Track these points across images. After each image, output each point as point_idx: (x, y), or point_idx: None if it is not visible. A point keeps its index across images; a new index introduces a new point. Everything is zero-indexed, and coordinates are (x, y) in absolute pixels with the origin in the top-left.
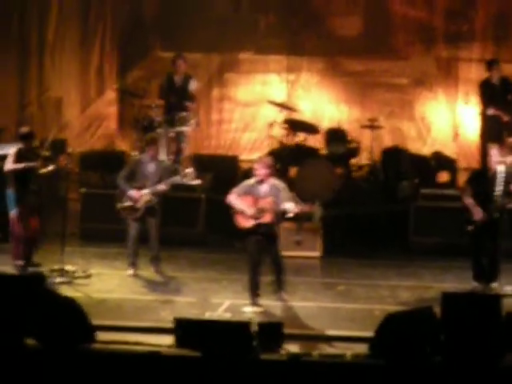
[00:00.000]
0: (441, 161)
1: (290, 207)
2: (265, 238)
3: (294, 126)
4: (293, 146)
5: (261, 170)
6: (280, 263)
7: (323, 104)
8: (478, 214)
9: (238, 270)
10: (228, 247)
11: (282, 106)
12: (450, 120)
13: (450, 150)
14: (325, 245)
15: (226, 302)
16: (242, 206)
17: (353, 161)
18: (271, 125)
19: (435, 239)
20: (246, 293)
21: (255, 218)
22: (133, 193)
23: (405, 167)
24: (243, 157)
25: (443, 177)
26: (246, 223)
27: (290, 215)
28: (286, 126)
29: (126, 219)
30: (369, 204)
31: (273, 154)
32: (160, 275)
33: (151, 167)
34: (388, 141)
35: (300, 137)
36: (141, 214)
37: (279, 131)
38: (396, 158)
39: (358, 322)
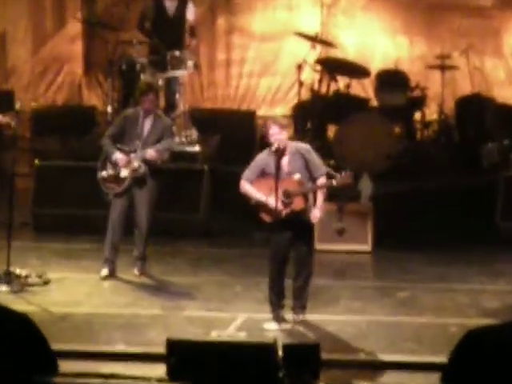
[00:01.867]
0: None
1: (323, 181)
2: (296, 230)
3: (333, 67)
4: (331, 95)
5: (276, 136)
6: (310, 266)
7: (373, 36)
8: None
9: (255, 271)
10: (241, 238)
11: (315, 39)
12: None
13: None
14: (377, 234)
15: (240, 315)
16: (261, 195)
17: (416, 115)
18: (300, 66)
19: None
20: (267, 303)
21: (282, 208)
22: (118, 157)
23: (489, 123)
24: (261, 112)
25: None
26: (271, 217)
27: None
28: (321, 67)
29: (108, 197)
30: (439, 176)
31: (302, 107)
32: (147, 279)
33: (146, 124)
34: (465, 86)
35: (341, 83)
36: (125, 188)
37: (311, 75)
38: (477, 110)
39: (426, 343)
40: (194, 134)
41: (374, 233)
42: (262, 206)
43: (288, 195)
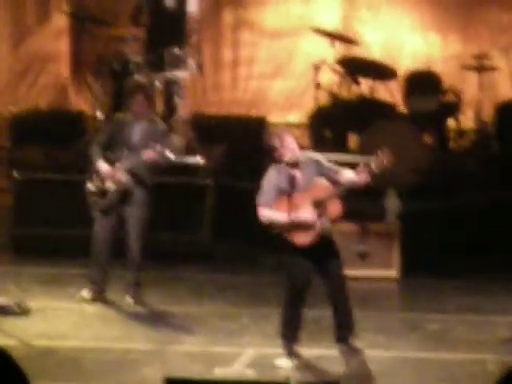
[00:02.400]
0: None
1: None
2: (323, 247)
3: (355, 68)
4: (352, 100)
5: (291, 146)
6: (345, 290)
7: (401, 33)
8: None
9: (264, 301)
10: (249, 264)
11: (335, 36)
12: None
13: None
14: (405, 258)
15: (247, 351)
16: (291, 216)
17: (450, 123)
18: (317, 67)
19: None
20: (277, 336)
21: (319, 220)
22: (101, 166)
23: None
24: (273, 118)
25: None
26: (306, 237)
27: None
28: (341, 68)
29: (94, 212)
30: (476, 193)
31: (320, 113)
32: (142, 308)
33: (136, 130)
34: (506, 90)
35: (364, 85)
36: (110, 203)
37: (330, 77)
38: None
39: (462, 382)
40: (178, 140)
41: (402, 257)
42: (293, 228)
43: (319, 204)
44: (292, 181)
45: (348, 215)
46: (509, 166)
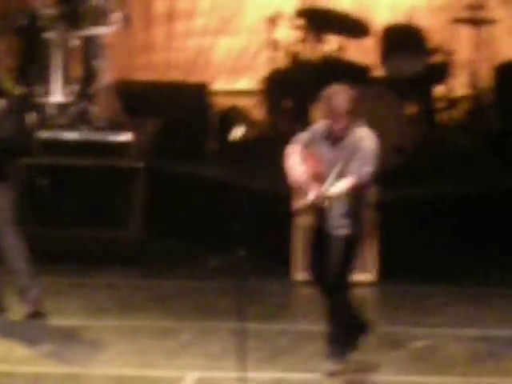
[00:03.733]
0: None
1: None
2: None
3: (319, 22)
4: (317, 61)
5: (334, 122)
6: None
7: None
8: None
9: (209, 313)
10: (187, 267)
11: None
12: None
13: None
14: (384, 259)
15: (189, 375)
16: (304, 177)
17: (439, 90)
18: (273, 21)
19: None
20: (224, 356)
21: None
22: None
23: None
24: (218, 85)
25: None
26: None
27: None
28: (303, 22)
29: None
30: (470, 177)
31: (277, 78)
32: (43, 323)
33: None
34: (508, 48)
35: (331, 44)
36: None
37: (289, 34)
38: None
39: None
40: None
41: (379, 257)
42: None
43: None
44: (328, 151)
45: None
46: (510, 142)
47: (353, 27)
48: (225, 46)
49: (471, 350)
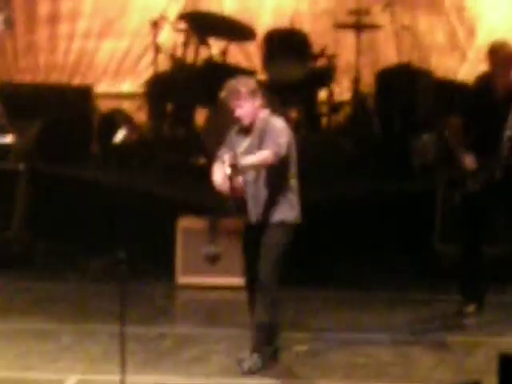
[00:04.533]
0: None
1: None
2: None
3: (203, 26)
4: (200, 65)
5: (238, 107)
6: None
7: None
8: (469, 162)
9: (90, 315)
10: (70, 269)
11: None
12: None
13: None
14: None
15: (70, 378)
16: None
17: (322, 94)
18: (156, 24)
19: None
20: (106, 360)
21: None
22: None
23: (424, 105)
24: (101, 88)
25: None
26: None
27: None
28: (187, 26)
29: None
30: (353, 181)
31: (160, 82)
32: None
33: None
34: (390, 54)
35: (214, 47)
36: None
37: (172, 37)
38: (408, 87)
39: None
40: None
41: None
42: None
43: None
44: (240, 144)
45: (196, 209)
46: (393, 146)
47: (236, 31)
48: (108, 49)
49: (354, 355)
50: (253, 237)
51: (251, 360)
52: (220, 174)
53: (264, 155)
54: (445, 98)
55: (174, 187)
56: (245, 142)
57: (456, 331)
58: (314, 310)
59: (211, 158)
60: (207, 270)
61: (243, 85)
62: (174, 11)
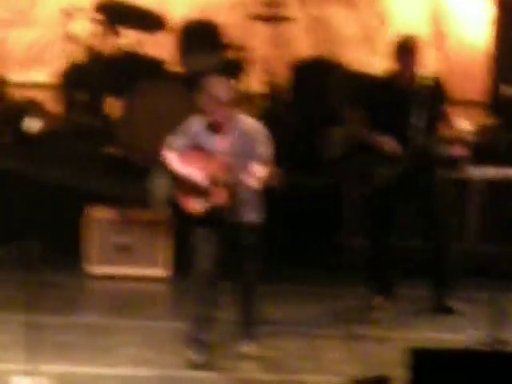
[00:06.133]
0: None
1: (260, 172)
2: (221, 232)
3: (116, 16)
4: (113, 55)
5: (218, 109)
6: (252, 283)
7: None
8: (390, 144)
9: (1, 303)
10: None
11: None
12: (427, 3)
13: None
14: (179, 253)
15: None
16: (191, 170)
17: (233, 85)
18: (69, 14)
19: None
20: (15, 348)
21: (203, 195)
22: None
23: (336, 98)
24: (13, 77)
25: None
26: (195, 204)
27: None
28: (100, 16)
29: None
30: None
31: (72, 71)
32: None
33: None
34: (305, 47)
35: (129, 38)
36: None
37: (85, 27)
38: (320, 80)
39: None
40: None
41: (174, 251)
42: (185, 187)
43: (214, 181)
44: (212, 142)
45: (106, 199)
46: (305, 139)
47: (149, 22)
48: (19, 38)
49: (261, 347)
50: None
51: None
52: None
53: (267, 168)
54: (356, 89)
55: (85, 177)
56: (220, 142)
57: (364, 325)
58: (222, 301)
59: (125, 148)
60: (117, 261)
61: (225, 90)
62: (87, 1)
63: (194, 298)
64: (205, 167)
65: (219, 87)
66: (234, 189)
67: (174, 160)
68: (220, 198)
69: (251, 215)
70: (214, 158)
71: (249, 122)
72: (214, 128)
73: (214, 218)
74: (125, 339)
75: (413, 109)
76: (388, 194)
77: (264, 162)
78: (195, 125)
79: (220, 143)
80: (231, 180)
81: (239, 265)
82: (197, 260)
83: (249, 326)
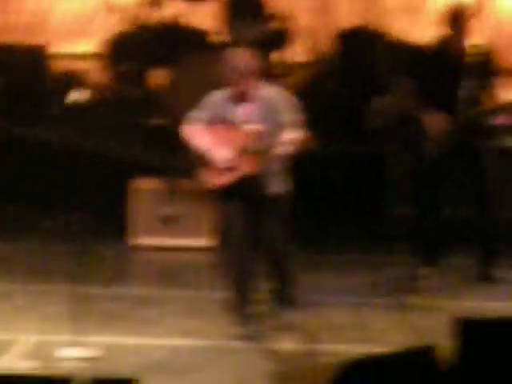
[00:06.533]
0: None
1: (287, 139)
2: (251, 205)
3: None
4: (158, 26)
5: (237, 78)
6: (283, 252)
7: None
8: (438, 122)
9: (46, 275)
10: (27, 229)
11: None
12: None
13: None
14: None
15: (23, 338)
16: (209, 144)
17: (278, 55)
18: None
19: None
20: (61, 320)
21: (229, 168)
22: None
23: (382, 69)
24: (57, 48)
25: None
26: (220, 178)
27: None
28: None
29: None
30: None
31: (116, 42)
32: None
33: None
34: (349, 16)
35: (172, 8)
36: None
37: None
38: (365, 49)
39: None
40: None
41: (218, 222)
42: (206, 162)
43: (242, 151)
44: (235, 113)
45: (151, 170)
46: (350, 109)
47: None
48: (62, 9)
49: (306, 316)
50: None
51: None
52: (226, 147)
53: (299, 134)
54: (400, 60)
55: (130, 148)
56: (240, 110)
57: (411, 294)
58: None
59: (173, 118)
60: (163, 232)
61: (249, 60)
62: None
63: (229, 273)
64: (230, 138)
65: (240, 58)
66: (262, 156)
67: (196, 133)
68: (249, 167)
69: (278, 186)
70: (239, 127)
71: (272, 91)
72: (237, 99)
73: (242, 191)
74: (170, 309)
75: (463, 78)
76: (436, 165)
77: (291, 129)
78: (217, 97)
79: (243, 113)
80: (259, 147)
81: (268, 235)
82: (228, 235)
83: (288, 296)
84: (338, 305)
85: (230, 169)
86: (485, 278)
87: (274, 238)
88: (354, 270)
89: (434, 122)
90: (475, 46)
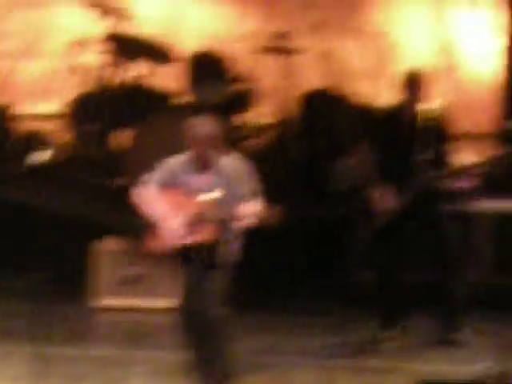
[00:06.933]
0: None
1: (248, 210)
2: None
3: (124, 48)
4: (123, 87)
5: (198, 146)
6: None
7: (182, 4)
8: (387, 201)
9: (10, 335)
10: None
11: (103, 7)
12: (436, 35)
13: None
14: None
15: None
16: (162, 210)
17: (241, 117)
18: (78, 45)
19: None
20: (23, 381)
21: (186, 232)
22: None
23: (342, 131)
24: (22, 108)
25: None
26: (168, 244)
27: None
28: (110, 47)
29: None
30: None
31: (82, 103)
32: None
33: None
34: (313, 79)
35: (137, 69)
36: None
37: (95, 58)
38: (327, 112)
39: None
40: None
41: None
42: (159, 226)
43: (198, 218)
44: (194, 181)
45: (113, 230)
46: (312, 171)
47: (158, 54)
48: (26, 69)
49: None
50: None
51: None
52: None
53: (258, 205)
54: (363, 122)
55: (92, 208)
56: (201, 179)
57: (374, 356)
58: (233, 333)
59: (135, 179)
60: (125, 293)
61: (210, 128)
62: (96, 32)
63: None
64: (184, 204)
65: (201, 126)
66: (217, 225)
67: (149, 197)
68: (202, 235)
69: (230, 255)
70: (195, 194)
71: (232, 159)
72: (196, 165)
73: (193, 256)
74: (133, 370)
75: (419, 142)
76: (395, 227)
77: (250, 199)
78: (175, 162)
79: (201, 180)
80: (214, 216)
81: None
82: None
83: (222, 368)
84: (300, 366)
85: (180, 237)
86: (446, 341)
87: (207, 308)
88: (316, 333)
89: (382, 198)
90: (430, 110)
